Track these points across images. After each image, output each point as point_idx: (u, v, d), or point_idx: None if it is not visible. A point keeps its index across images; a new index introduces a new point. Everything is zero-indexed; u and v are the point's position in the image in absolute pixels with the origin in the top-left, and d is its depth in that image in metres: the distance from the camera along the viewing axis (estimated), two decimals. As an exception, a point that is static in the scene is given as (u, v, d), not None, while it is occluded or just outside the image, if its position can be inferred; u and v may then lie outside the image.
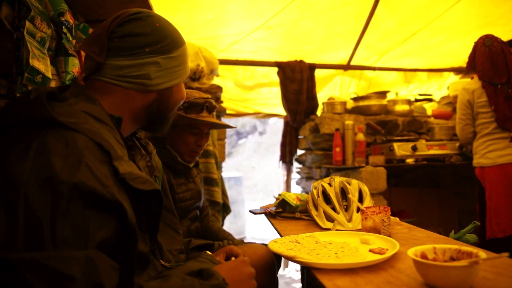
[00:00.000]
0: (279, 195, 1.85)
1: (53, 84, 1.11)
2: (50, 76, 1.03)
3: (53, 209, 0.54)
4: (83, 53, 1.28)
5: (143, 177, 0.67)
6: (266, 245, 1.40)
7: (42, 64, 0.99)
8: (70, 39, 1.20)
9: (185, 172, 1.51)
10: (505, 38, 2.85)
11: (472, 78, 3.25)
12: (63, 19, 1.13)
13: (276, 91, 3.31)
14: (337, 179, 1.33)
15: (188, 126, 1.42)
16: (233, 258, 1.13)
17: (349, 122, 2.70)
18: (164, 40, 0.81)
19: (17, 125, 0.63)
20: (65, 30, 1.16)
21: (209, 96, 1.50)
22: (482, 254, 0.66)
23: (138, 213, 0.69)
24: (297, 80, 3.15)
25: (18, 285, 0.50)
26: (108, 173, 0.61)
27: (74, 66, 1.19)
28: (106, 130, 0.69)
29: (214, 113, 1.51)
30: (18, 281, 0.50)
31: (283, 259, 1.34)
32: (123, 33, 0.78)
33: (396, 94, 3.27)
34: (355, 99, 3.02)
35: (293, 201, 1.46)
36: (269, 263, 1.34)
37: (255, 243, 1.41)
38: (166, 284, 0.64)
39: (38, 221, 0.53)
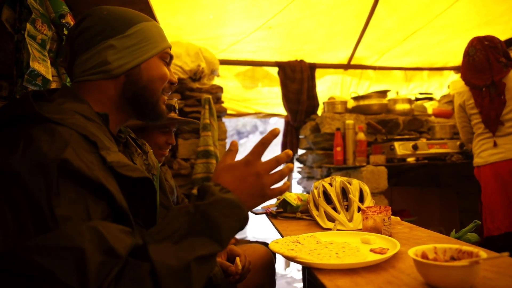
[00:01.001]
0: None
1: (53, 85, 1.12)
2: (50, 78, 1.04)
3: (47, 190, 0.55)
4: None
5: (131, 165, 0.68)
6: (266, 245, 1.40)
7: (42, 66, 1.00)
8: (71, 40, 1.21)
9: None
10: (505, 36, 2.86)
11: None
12: (64, 21, 1.13)
13: (277, 91, 3.31)
14: (338, 179, 1.33)
15: (159, 127, 1.47)
16: (237, 258, 1.14)
17: (349, 121, 2.69)
18: (113, 23, 0.79)
19: (5, 124, 0.65)
20: (66, 32, 1.16)
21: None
22: (483, 253, 0.67)
23: (133, 206, 0.70)
24: (297, 80, 3.15)
25: (36, 272, 0.50)
26: (95, 160, 0.62)
27: (74, 68, 1.19)
28: (94, 126, 0.70)
29: (177, 112, 1.60)
30: (34, 269, 0.51)
31: (283, 258, 1.35)
32: (77, 33, 0.79)
33: (397, 93, 3.27)
34: (356, 99, 3.02)
35: (294, 201, 1.46)
36: (268, 263, 1.34)
37: (254, 243, 1.41)
38: (164, 221, 0.62)
39: (38, 205, 0.54)
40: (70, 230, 0.53)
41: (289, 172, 0.73)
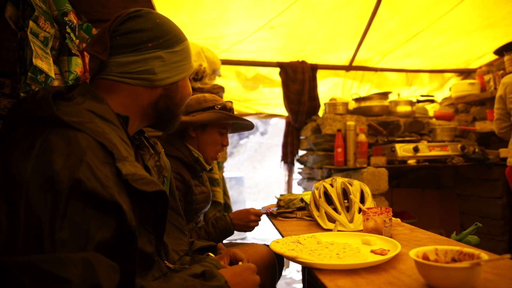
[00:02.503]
0: (281, 195, 1.85)
1: (56, 83, 1.12)
2: (53, 75, 1.04)
3: (53, 209, 0.54)
4: (86, 54, 1.29)
5: (147, 178, 0.67)
6: (267, 245, 1.40)
7: (45, 64, 1.00)
8: (74, 39, 1.21)
9: (200, 174, 1.54)
10: (507, 39, 2.85)
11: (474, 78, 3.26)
12: (66, 19, 1.13)
13: (278, 92, 3.31)
14: (339, 180, 1.33)
15: (219, 126, 1.50)
16: (240, 263, 1.13)
17: (350, 123, 2.69)
18: (166, 35, 0.81)
19: (23, 123, 0.64)
20: (68, 30, 1.16)
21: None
22: (484, 255, 0.67)
23: (144, 213, 0.69)
24: (299, 81, 3.15)
25: None
26: (110, 174, 0.61)
27: (77, 66, 1.19)
28: (111, 130, 0.69)
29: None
30: (15, 284, 0.50)
31: (285, 259, 1.35)
32: (125, 31, 0.78)
33: (398, 95, 3.27)
34: (357, 100, 3.02)
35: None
36: (270, 263, 1.34)
37: (256, 243, 1.41)
38: (167, 284, 0.64)
39: (38, 220, 0.53)
40: (65, 258, 0.52)
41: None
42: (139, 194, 0.65)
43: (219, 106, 1.49)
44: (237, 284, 0.78)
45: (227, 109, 1.51)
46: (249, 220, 1.49)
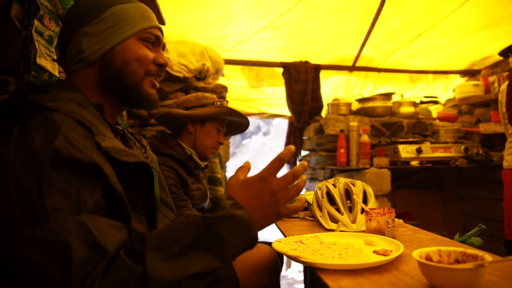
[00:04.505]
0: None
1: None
2: (57, 74, 1.04)
3: (39, 182, 0.56)
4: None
5: (126, 150, 0.68)
6: (269, 244, 1.40)
7: (49, 63, 1.00)
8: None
9: (196, 172, 1.55)
10: (511, 39, 2.84)
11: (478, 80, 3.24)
12: (71, 17, 1.14)
13: (281, 92, 3.31)
14: (342, 180, 1.33)
15: (217, 123, 1.54)
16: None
17: (353, 123, 2.69)
18: (88, 10, 0.79)
19: (2, 117, 0.65)
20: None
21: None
22: (488, 257, 0.66)
23: (131, 193, 0.70)
24: (302, 81, 3.15)
25: (21, 264, 0.51)
26: (89, 144, 0.62)
27: (81, 65, 1.20)
28: (89, 114, 0.70)
29: None
30: (19, 259, 0.51)
31: (285, 259, 1.35)
32: (63, 26, 0.80)
33: (402, 96, 3.26)
34: (360, 101, 3.01)
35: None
36: (272, 263, 1.34)
37: (259, 243, 1.41)
38: (169, 226, 0.60)
39: (28, 195, 0.55)
40: (57, 225, 0.53)
41: (304, 184, 0.68)
42: (121, 168, 0.65)
43: (218, 103, 1.54)
44: (253, 207, 0.64)
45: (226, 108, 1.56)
46: None
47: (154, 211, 0.77)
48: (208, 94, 1.59)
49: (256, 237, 0.62)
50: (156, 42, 0.82)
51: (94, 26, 0.77)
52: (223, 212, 0.60)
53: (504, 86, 2.27)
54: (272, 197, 0.64)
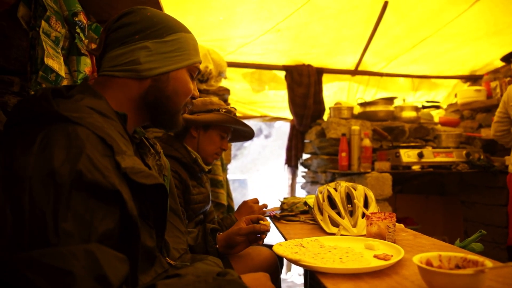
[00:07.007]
0: (285, 198, 1.85)
1: (65, 82, 1.13)
2: (63, 74, 1.05)
3: (55, 201, 0.55)
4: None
5: (145, 171, 0.68)
6: (270, 247, 1.41)
7: (56, 63, 1.01)
8: (83, 38, 1.22)
9: (199, 175, 1.56)
10: (514, 46, 2.84)
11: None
12: (76, 19, 1.15)
13: (283, 94, 3.32)
14: (343, 184, 1.33)
15: (220, 129, 1.53)
16: (261, 222, 1.20)
17: (355, 127, 2.69)
18: (154, 26, 0.80)
19: (24, 121, 0.65)
20: (78, 30, 1.18)
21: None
22: (488, 263, 0.66)
23: (144, 208, 0.70)
24: (304, 84, 3.15)
25: (22, 285, 0.50)
26: (110, 166, 0.62)
27: (85, 66, 1.21)
28: (110, 125, 0.70)
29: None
30: (22, 280, 0.50)
31: (285, 262, 1.35)
32: (116, 26, 0.79)
33: (404, 100, 3.27)
34: (362, 105, 3.02)
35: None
36: (273, 266, 1.34)
37: (259, 245, 1.41)
38: (180, 281, 0.62)
39: (42, 213, 0.54)
40: (66, 251, 0.52)
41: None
42: (138, 188, 0.66)
43: (224, 110, 1.53)
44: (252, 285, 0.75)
45: (231, 114, 1.55)
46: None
47: (164, 223, 0.78)
48: (215, 100, 1.56)
49: None
50: (197, 75, 0.90)
51: (157, 44, 0.79)
52: (232, 278, 0.67)
53: (510, 88, 2.26)
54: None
